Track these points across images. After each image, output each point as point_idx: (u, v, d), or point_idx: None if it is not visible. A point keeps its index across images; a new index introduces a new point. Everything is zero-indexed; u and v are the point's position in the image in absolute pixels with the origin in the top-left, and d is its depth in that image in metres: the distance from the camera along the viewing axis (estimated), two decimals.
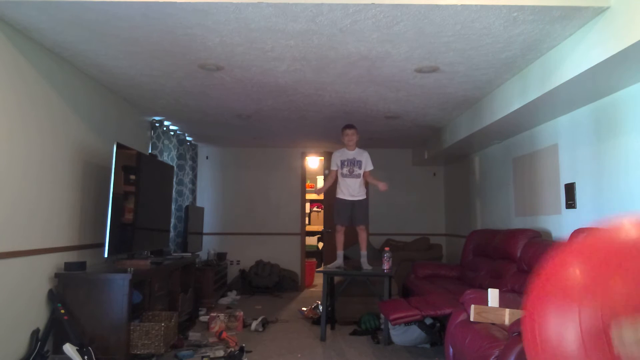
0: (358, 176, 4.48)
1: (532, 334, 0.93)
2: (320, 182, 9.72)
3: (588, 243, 0.91)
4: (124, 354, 3.28)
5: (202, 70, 3.63)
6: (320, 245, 9.30)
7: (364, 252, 4.54)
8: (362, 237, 4.56)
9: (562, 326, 0.81)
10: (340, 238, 4.55)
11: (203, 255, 6.51)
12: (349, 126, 4.53)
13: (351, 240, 5.25)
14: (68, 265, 3.39)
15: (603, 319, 0.76)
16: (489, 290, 2.97)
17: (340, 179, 4.51)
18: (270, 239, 7.32)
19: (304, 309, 5.46)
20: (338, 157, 4.53)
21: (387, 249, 4.43)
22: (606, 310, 0.76)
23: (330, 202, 6.48)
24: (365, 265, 4.46)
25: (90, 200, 3.89)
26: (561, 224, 4.00)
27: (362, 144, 4.68)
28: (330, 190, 4.81)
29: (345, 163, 4.48)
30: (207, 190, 7.31)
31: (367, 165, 4.51)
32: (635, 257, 0.81)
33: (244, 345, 3.91)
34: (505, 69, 3.53)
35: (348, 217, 4.51)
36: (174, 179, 5.68)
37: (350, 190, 4.46)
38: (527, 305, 0.98)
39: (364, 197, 4.52)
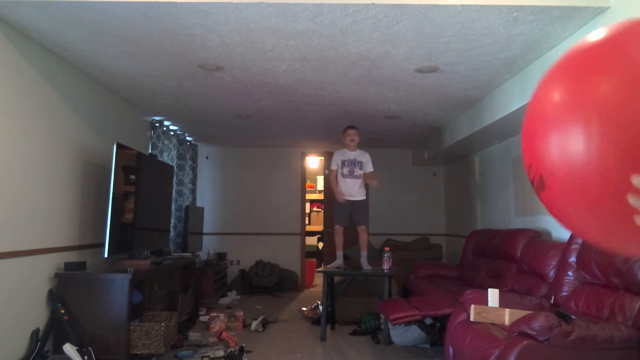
0: (358, 177, 4.48)
1: (536, 162, 0.86)
2: (320, 182, 9.73)
3: (568, 55, 0.84)
4: (124, 354, 3.28)
5: (202, 70, 3.63)
6: (320, 245, 9.30)
7: (364, 252, 4.54)
8: (363, 238, 4.56)
9: (567, 146, 0.75)
10: (339, 239, 4.55)
11: (203, 255, 6.51)
12: (351, 127, 4.53)
13: (351, 240, 5.25)
14: (68, 265, 3.39)
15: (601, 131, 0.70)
16: (489, 290, 2.97)
17: (340, 179, 4.51)
18: (270, 239, 7.32)
19: (304, 309, 5.46)
20: (339, 157, 4.52)
21: (387, 249, 4.43)
22: (604, 119, 0.69)
23: (330, 202, 6.48)
24: (365, 265, 4.46)
25: (90, 200, 3.89)
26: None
27: (362, 144, 4.68)
28: (330, 190, 4.81)
29: (346, 163, 4.48)
30: (207, 190, 7.31)
31: (368, 166, 4.52)
32: (621, 54, 0.72)
33: (244, 345, 3.91)
34: (505, 69, 3.53)
35: (347, 217, 4.51)
36: (174, 179, 5.68)
37: (350, 190, 4.46)
38: (524, 135, 0.92)
39: (364, 197, 4.52)
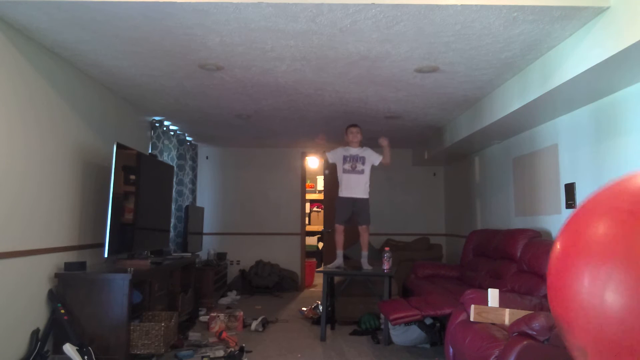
0: (361, 172, 4.48)
1: (562, 300, 0.78)
2: (320, 182, 9.73)
3: (609, 194, 0.77)
4: (124, 354, 3.28)
5: (202, 70, 3.63)
6: (320, 245, 9.30)
7: (365, 252, 4.54)
8: (364, 238, 4.56)
9: (599, 290, 0.70)
10: (340, 238, 4.55)
11: (203, 255, 6.51)
12: (354, 125, 4.59)
13: (351, 240, 5.25)
14: (68, 265, 3.39)
15: None
16: (489, 290, 2.97)
17: (342, 175, 4.52)
18: (270, 239, 7.32)
19: (304, 309, 5.46)
20: (341, 152, 4.55)
21: (387, 249, 4.43)
22: None
23: (330, 202, 6.48)
24: (366, 265, 4.46)
25: (90, 200, 3.89)
26: (561, 224, 3.99)
27: (362, 144, 4.68)
28: (332, 189, 4.81)
29: (348, 159, 4.50)
30: (207, 190, 7.31)
31: (374, 158, 4.54)
32: None
33: (244, 345, 3.91)
34: (505, 69, 3.53)
35: (348, 216, 4.52)
36: (174, 179, 5.68)
37: (352, 187, 4.47)
38: (551, 268, 0.84)
39: (366, 196, 4.52)
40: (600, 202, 0.77)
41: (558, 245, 0.82)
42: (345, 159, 4.51)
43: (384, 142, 4.53)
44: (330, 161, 4.64)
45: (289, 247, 7.35)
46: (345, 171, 4.50)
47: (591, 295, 0.68)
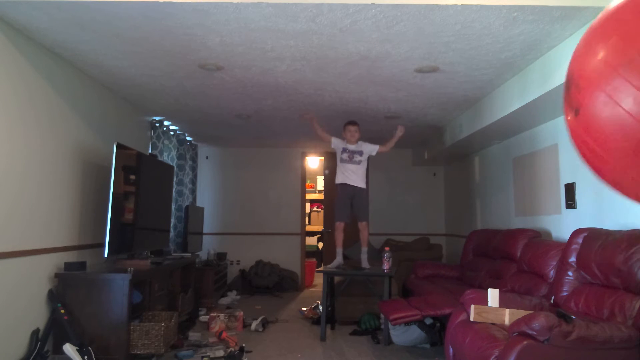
0: (358, 162, 4.53)
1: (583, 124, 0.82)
2: (320, 182, 9.73)
3: (608, 16, 0.80)
4: (124, 354, 3.28)
5: (202, 70, 3.64)
6: (320, 245, 9.30)
7: (364, 248, 4.54)
8: (364, 234, 4.57)
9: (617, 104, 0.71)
10: (339, 235, 4.55)
11: (203, 255, 6.51)
12: (353, 122, 4.58)
13: (351, 239, 5.26)
14: (68, 265, 3.39)
15: None
16: (489, 290, 2.97)
17: (340, 164, 4.57)
18: (270, 239, 7.32)
19: (304, 309, 5.46)
20: (342, 144, 4.58)
21: (387, 248, 4.43)
22: None
23: (330, 202, 6.48)
24: (365, 263, 4.45)
25: (90, 200, 3.89)
26: (561, 224, 4.00)
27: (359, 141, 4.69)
28: (332, 189, 4.81)
29: (346, 150, 4.55)
30: (207, 190, 7.31)
31: (371, 149, 4.58)
32: None
33: (244, 345, 3.91)
34: (505, 69, 3.53)
35: (348, 209, 4.51)
36: (174, 179, 5.68)
37: (350, 175, 4.50)
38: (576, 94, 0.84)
39: (364, 187, 4.55)
40: (603, 22, 0.81)
41: (569, 78, 0.86)
42: (344, 150, 4.57)
43: (400, 131, 4.61)
44: (332, 146, 4.65)
45: (289, 247, 7.35)
46: (342, 160, 4.56)
47: (611, 113, 0.73)
